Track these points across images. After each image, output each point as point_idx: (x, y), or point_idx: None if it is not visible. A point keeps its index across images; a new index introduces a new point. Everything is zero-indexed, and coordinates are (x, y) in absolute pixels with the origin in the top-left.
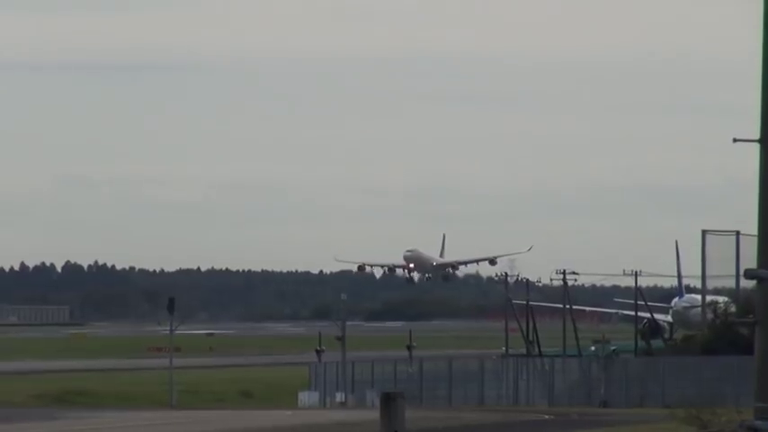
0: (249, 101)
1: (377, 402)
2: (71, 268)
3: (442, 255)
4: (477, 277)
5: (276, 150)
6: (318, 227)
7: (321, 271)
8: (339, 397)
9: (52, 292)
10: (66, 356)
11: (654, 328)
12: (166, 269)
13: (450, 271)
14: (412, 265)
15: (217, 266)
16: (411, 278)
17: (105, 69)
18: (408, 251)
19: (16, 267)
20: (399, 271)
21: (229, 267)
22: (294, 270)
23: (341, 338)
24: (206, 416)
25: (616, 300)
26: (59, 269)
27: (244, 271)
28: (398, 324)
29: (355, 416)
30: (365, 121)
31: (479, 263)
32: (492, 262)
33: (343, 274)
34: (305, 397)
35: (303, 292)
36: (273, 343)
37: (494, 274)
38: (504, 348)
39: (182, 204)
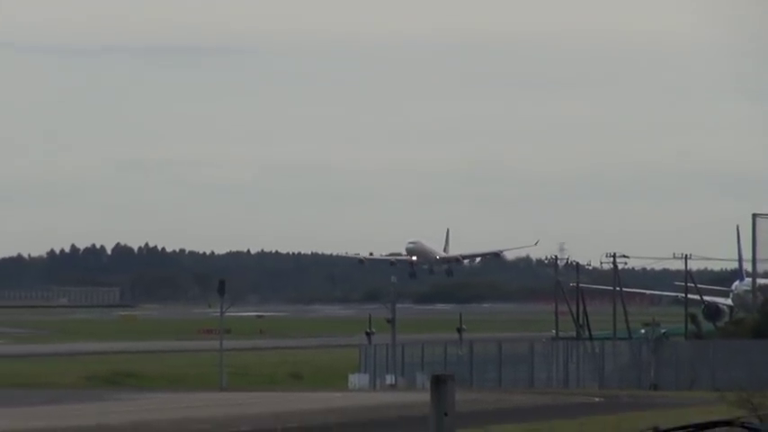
0: (300, 83)
1: (427, 385)
2: (121, 250)
3: (446, 249)
4: (526, 260)
5: (327, 132)
6: (369, 209)
7: (371, 253)
8: (389, 379)
9: (102, 275)
10: (117, 338)
11: (713, 312)
12: (217, 251)
13: (454, 265)
14: (415, 258)
15: (267, 249)
16: (414, 272)
17: (158, 51)
18: (411, 243)
19: (67, 249)
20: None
21: (279, 250)
22: (345, 253)
23: (391, 321)
24: (256, 398)
25: (676, 283)
26: (110, 251)
27: (294, 253)
28: (448, 307)
29: (405, 398)
30: (416, 104)
31: (484, 257)
32: (496, 256)
33: (393, 258)
34: (355, 379)
35: (353, 275)
36: (323, 325)
37: (543, 257)
38: (554, 331)
39: (232, 186)
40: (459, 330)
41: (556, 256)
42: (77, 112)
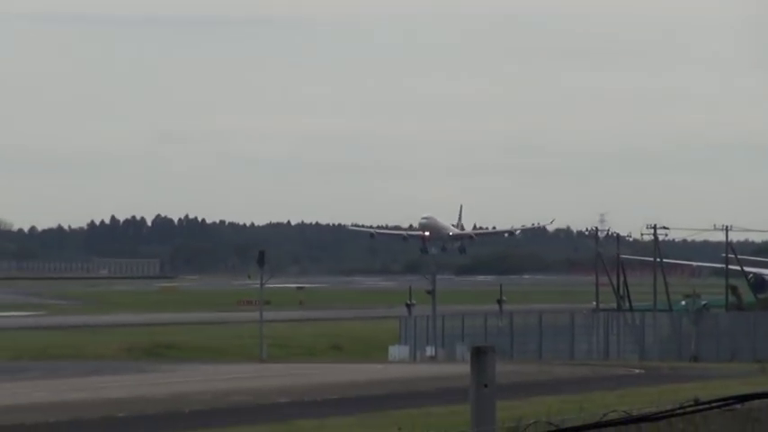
0: (341, 54)
1: (467, 356)
2: (161, 222)
3: (459, 226)
4: (567, 231)
5: (368, 105)
6: (410, 181)
7: (411, 225)
8: (429, 351)
9: (142, 246)
10: (157, 310)
11: (759, 283)
12: (257, 223)
13: (467, 241)
14: (427, 234)
15: (307, 220)
16: (425, 248)
17: (199, 24)
18: (424, 218)
19: (107, 221)
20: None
21: (319, 221)
22: (385, 224)
23: (431, 292)
24: (297, 369)
25: (723, 255)
26: (150, 223)
27: (334, 225)
28: (489, 278)
29: (445, 369)
30: (460, 77)
31: (498, 235)
32: (511, 234)
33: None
34: (395, 351)
35: (393, 246)
36: (363, 297)
37: (584, 229)
38: (594, 303)
39: (273, 158)
40: (500, 302)
41: (596, 228)
42: (120, 83)
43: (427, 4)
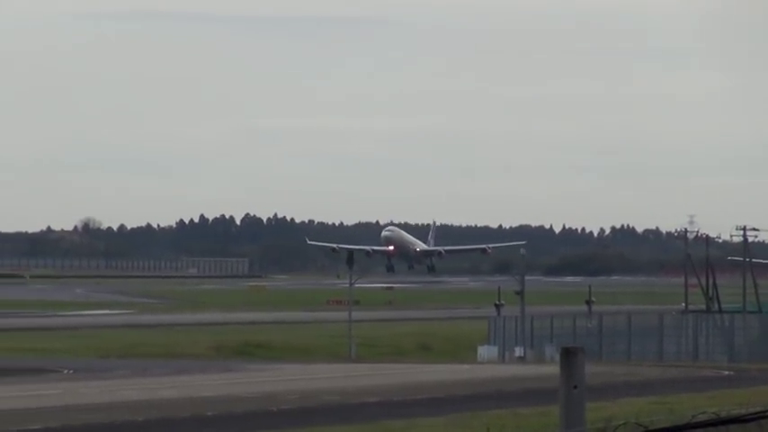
0: (431, 54)
1: (556, 357)
2: (250, 221)
3: (428, 242)
4: (656, 233)
5: (456, 104)
6: (497, 181)
7: (500, 225)
8: (518, 351)
9: (231, 245)
10: (246, 309)
11: None
12: (345, 222)
13: (436, 259)
14: (392, 248)
15: (396, 220)
16: (392, 266)
17: (294, 21)
18: (388, 230)
19: (196, 220)
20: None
21: (408, 221)
22: (473, 225)
23: (520, 293)
24: (387, 369)
25: None
26: (239, 222)
27: (423, 225)
28: (578, 279)
29: (534, 370)
30: (552, 77)
31: (469, 252)
32: (483, 252)
33: (523, 229)
34: (484, 351)
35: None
36: (452, 297)
37: (673, 230)
38: (683, 304)
39: (362, 157)
40: (588, 302)
41: (686, 229)
42: (211, 81)
43: (513, 5)
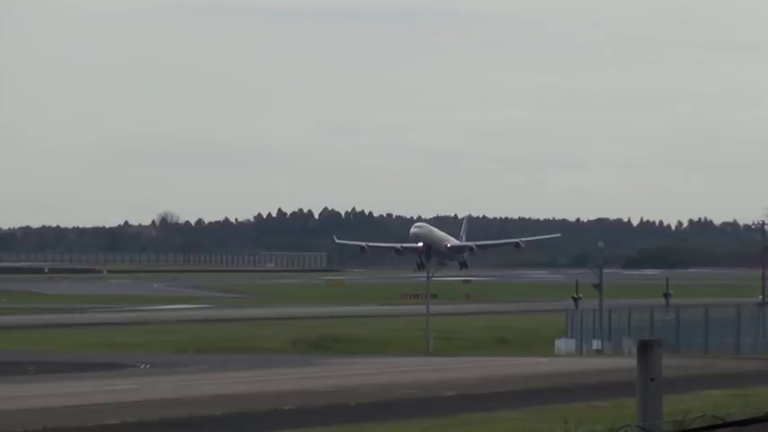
0: (503, 48)
1: (633, 350)
2: (328, 215)
3: (460, 237)
4: (734, 225)
5: (533, 97)
6: (576, 174)
7: (578, 219)
8: (595, 344)
9: (309, 239)
10: (324, 303)
11: None
12: (423, 216)
13: (468, 255)
14: (421, 245)
15: (474, 213)
16: (422, 263)
17: (371, 16)
18: (417, 227)
19: (274, 214)
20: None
21: (486, 214)
22: (551, 218)
23: (598, 286)
24: (463, 362)
25: None
26: (317, 216)
27: (500, 218)
28: (655, 272)
29: (612, 363)
30: (625, 69)
31: (502, 247)
32: (516, 246)
33: (601, 222)
34: (561, 344)
35: (560, 240)
36: (530, 290)
37: (751, 222)
38: (760, 296)
39: (440, 151)
40: (666, 295)
41: (763, 222)
42: (289, 77)
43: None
